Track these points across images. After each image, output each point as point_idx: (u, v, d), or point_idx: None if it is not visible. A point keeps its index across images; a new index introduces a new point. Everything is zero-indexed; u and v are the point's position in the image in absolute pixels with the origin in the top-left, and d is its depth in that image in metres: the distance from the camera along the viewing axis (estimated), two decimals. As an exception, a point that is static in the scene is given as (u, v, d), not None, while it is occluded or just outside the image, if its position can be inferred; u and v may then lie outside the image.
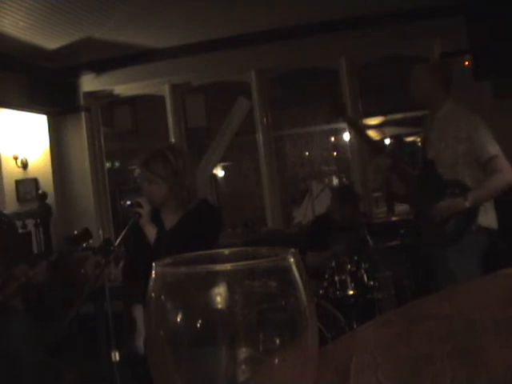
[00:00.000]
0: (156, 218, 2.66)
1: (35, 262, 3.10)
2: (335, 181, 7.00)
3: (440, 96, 3.08)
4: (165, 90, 6.14)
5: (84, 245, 2.93)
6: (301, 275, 0.38)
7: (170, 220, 2.65)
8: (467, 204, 2.89)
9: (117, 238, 2.62)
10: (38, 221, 5.59)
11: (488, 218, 2.98)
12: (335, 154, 7.01)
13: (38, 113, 6.00)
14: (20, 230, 4.75)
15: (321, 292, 3.70)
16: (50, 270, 3.10)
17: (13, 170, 6.03)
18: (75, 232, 3.30)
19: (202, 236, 2.51)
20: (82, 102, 6.20)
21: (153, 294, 0.37)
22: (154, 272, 0.38)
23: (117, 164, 7.23)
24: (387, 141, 7.52)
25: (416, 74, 3.16)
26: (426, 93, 3.09)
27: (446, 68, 3.24)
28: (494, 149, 2.91)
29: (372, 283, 3.66)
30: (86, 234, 3.03)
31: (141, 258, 2.60)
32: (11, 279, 3.02)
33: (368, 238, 3.96)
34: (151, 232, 2.57)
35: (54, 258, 3.11)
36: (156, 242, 2.55)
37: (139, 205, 2.58)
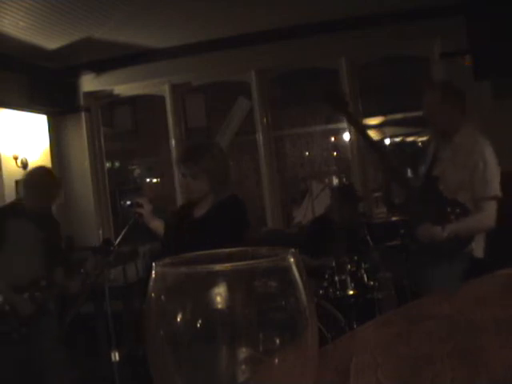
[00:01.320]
0: (189, 209, 2.72)
1: (73, 273, 3.23)
2: (335, 181, 6.99)
3: (457, 120, 3.04)
4: (165, 90, 6.14)
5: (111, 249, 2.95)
6: (301, 275, 0.38)
7: (200, 212, 2.71)
8: (444, 234, 2.90)
9: (117, 238, 2.63)
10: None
11: (475, 245, 2.98)
12: (335, 154, 7.00)
13: (38, 113, 6.00)
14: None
15: (321, 292, 3.70)
16: (82, 283, 3.23)
17: (13, 170, 6.02)
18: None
19: (228, 227, 2.56)
20: (82, 102, 6.20)
21: (153, 294, 0.37)
22: (153, 272, 0.38)
23: (117, 164, 7.23)
24: (387, 141, 7.52)
25: (430, 101, 3.09)
26: (443, 119, 3.05)
27: (460, 92, 3.19)
28: (493, 189, 2.90)
29: (372, 283, 3.66)
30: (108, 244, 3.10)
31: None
32: (52, 287, 3.16)
33: (368, 238, 3.97)
34: (159, 227, 2.63)
35: (91, 275, 3.21)
36: (164, 236, 2.59)
37: (139, 205, 2.59)
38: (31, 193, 3.40)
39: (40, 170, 3.77)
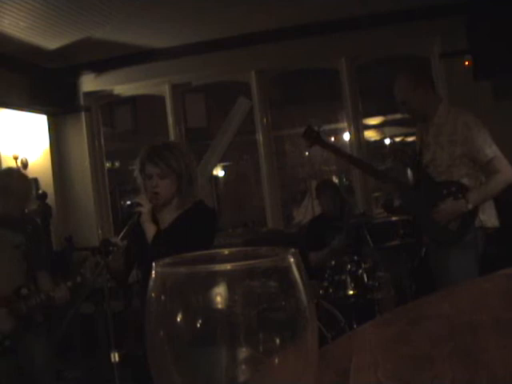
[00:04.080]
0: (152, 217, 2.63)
1: (59, 283, 3.10)
2: (335, 181, 7.00)
3: (432, 101, 3.06)
4: (165, 90, 6.14)
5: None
6: (301, 275, 0.38)
7: (166, 219, 2.62)
8: (470, 206, 2.90)
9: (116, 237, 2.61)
10: (38, 221, 5.59)
11: (488, 216, 2.99)
12: (335, 153, 7.00)
13: (38, 113, 6.00)
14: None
15: (321, 292, 3.71)
16: (72, 292, 3.10)
17: (13, 170, 6.02)
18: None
19: (197, 236, 2.48)
20: (82, 102, 6.20)
21: (153, 294, 0.37)
22: (153, 272, 0.38)
23: (117, 164, 7.24)
24: (387, 141, 7.52)
25: (401, 87, 3.10)
26: (417, 104, 3.06)
27: (426, 72, 3.22)
28: (491, 150, 2.91)
29: (372, 283, 3.66)
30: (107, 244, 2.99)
31: (134, 257, 2.60)
32: (35, 295, 3.04)
33: (368, 238, 3.97)
34: (151, 230, 2.55)
35: (79, 280, 3.11)
36: (154, 239, 2.53)
37: (139, 204, 2.57)
38: (6, 200, 3.14)
39: (11, 172, 3.48)
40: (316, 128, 3.50)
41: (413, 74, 3.15)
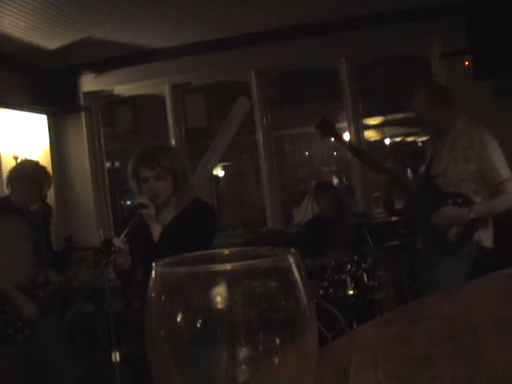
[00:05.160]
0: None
1: (69, 269, 3.17)
2: (335, 181, 7.00)
3: (450, 115, 3.06)
4: (165, 90, 6.14)
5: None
6: (301, 275, 0.38)
7: (165, 219, 2.65)
8: (472, 215, 2.90)
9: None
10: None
11: (485, 235, 2.99)
12: (335, 154, 7.02)
13: (38, 113, 6.00)
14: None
15: (321, 292, 3.71)
16: (81, 277, 3.17)
17: (13, 170, 6.02)
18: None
19: (197, 233, 2.50)
20: (82, 102, 6.20)
21: (153, 294, 0.37)
22: (153, 272, 0.38)
23: (117, 164, 7.24)
24: (387, 141, 7.52)
25: (419, 103, 3.11)
26: (436, 118, 3.06)
27: (444, 88, 3.22)
28: (505, 172, 2.93)
29: (372, 283, 3.66)
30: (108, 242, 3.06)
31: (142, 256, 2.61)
32: (51, 283, 3.10)
33: (368, 238, 3.97)
34: (157, 230, 2.57)
35: (83, 266, 3.17)
36: (160, 239, 2.55)
37: (142, 206, 2.58)
38: (22, 187, 3.22)
39: (31, 163, 3.58)
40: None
41: (430, 90, 3.15)
